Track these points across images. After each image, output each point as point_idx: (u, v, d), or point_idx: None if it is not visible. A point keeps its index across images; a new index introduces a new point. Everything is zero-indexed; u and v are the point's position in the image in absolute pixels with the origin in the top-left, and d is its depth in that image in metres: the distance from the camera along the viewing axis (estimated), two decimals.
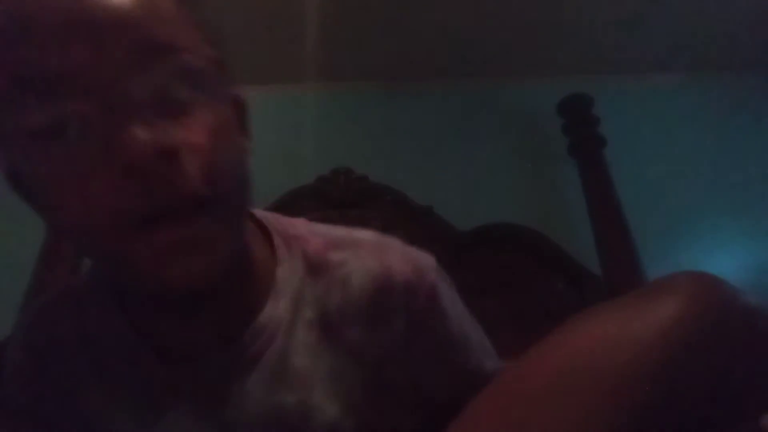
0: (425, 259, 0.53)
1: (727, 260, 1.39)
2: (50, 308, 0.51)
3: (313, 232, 0.52)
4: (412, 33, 1.47)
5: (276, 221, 0.52)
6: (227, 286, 0.43)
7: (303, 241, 0.51)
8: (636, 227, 1.24)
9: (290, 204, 1.28)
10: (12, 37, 0.34)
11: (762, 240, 1.41)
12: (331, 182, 1.34)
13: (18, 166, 0.40)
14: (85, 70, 0.34)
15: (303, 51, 1.44)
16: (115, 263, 0.38)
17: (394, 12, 1.41)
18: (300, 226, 0.53)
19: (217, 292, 0.42)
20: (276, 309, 0.47)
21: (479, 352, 0.53)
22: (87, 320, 0.49)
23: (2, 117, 0.36)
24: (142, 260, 0.37)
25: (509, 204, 1.43)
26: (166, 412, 0.46)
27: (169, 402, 0.46)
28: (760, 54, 1.61)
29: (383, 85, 1.58)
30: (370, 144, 1.50)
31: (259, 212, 0.52)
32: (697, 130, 1.57)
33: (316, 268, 0.49)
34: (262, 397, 0.46)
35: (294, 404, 0.46)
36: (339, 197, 1.32)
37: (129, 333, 0.47)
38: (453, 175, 1.49)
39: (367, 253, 0.50)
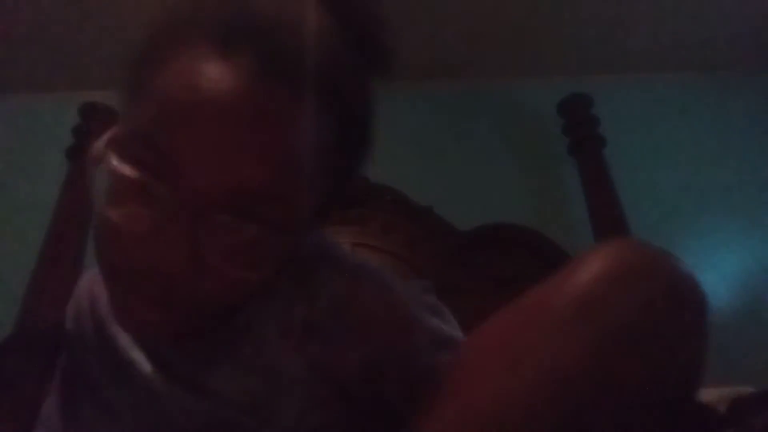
0: (404, 284, 0.54)
1: (727, 260, 1.39)
2: (89, 279, 0.61)
3: (310, 256, 0.52)
4: (412, 33, 1.47)
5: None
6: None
7: (299, 258, 0.50)
8: (636, 227, 1.24)
9: None
10: (176, 111, 0.38)
11: (762, 240, 1.41)
12: None
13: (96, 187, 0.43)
14: (190, 162, 0.37)
15: None
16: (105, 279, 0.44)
17: (394, 12, 1.41)
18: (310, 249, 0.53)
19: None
20: (251, 313, 0.49)
21: (428, 342, 0.50)
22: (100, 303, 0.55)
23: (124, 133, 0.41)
24: (115, 297, 0.43)
25: (509, 204, 1.43)
26: (154, 392, 0.50)
27: (158, 383, 0.50)
28: (761, 54, 1.61)
29: (383, 85, 1.58)
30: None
31: None
32: (697, 130, 1.57)
33: (294, 281, 0.50)
34: (236, 380, 0.49)
35: (263, 391, 0.48)
36: None
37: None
38: (453, 175, 1.49)
39: (340, 277, 0.50)
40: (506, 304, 0.42)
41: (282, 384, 0.49)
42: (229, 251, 0.39)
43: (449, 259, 1.23)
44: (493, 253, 1.26)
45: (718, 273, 1.37)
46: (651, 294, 0.35)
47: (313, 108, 0.40)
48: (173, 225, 0.37)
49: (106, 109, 1.33)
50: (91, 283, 0.60)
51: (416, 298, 0.54)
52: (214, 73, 0.38)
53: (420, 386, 0.43)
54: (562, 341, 0.35)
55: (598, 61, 1.60)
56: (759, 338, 1.29)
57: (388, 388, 0.50)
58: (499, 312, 0.41)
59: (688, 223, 1.43)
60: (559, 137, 1.41)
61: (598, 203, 1.28)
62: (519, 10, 1.46)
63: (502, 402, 0.35)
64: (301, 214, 0.42)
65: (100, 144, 0.43)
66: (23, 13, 1.40)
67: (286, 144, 0.39)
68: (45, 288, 1.11)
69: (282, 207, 0.40)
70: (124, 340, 0.52)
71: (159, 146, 0.38)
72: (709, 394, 0.71)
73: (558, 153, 1.42)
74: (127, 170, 0.38)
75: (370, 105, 0.48)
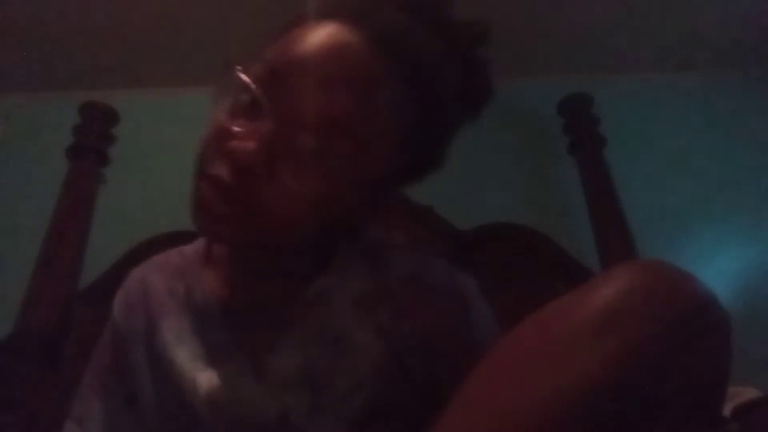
0: (465, 279, 0.61)
1: (727, 260, 1.39)
2: (144, 267, 0.66)
3: (379, 238, 0.63)
4: None
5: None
6: (285, 259, 0.58)
7: (365, 240, 0.62)
8: (636, 227, 1.24)
9: None
10: (284, 61, 0.50)
11: (762, 240, 1.41)
12: None
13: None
14: (289, 103, 0.48)
15: None
16: (190, 189, 0.53)
17: None
18: (377, 236, 0.64)
19: (274, 261, 0.58)
20: (325, 283, 0.57)
21: (481, 328, 0.57)
22: (179, 281, 0.61)
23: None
24: (191, 189, 0.53)
25: (509, 203, 1.43)
26: (224, 356, 0.55)
27: (226, 349, 0.56)
28: (761, 54, 1.61)
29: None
30: None
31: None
32: (697, 129, 1.57)
33: (365, 258, 0.60)
34: (299, 350, 0.54)
35: (324, 360, 0.54)
36: None
37: (207, 291, 0.59)
38: (453, 174, 1.48)
39: (411, 257, 0.61)
40: (528, 313, 0.42)
41: (343, 352, 0.54)
42: (298, 164, 0.48)
43: (449, 259, 1.23)
44: (493, 253, 1.26)
45: (718, 273, 1.37)
46: (676, 312, 0.35)
47: (397, 76, 0.50)
48: (263, 128, 0.48)
49: (106, 108, 1.33)
50: (143, 274, 0.65)
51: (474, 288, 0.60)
52: (326, 33, 0.50)
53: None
54: (586, 354, 0.34)
55: (598, 61, 1.60)
56: (759, 338, 1.29)
57: (440, 365, 0.54)
58: (521, 323, 0.41)
59: (687, 223, 1.43)
60: (559, 137, 1.41)
61: (598, 202, 1.28)
62: (519, 10, 1.46)
63: (520, 415, 0.34)
64: (368, 159, 0.50)
65: (234, 70, 0.53)
66: (23, 13, 1.40)
67: (369, 91, 0.49)
68: (45, 288, 1.11)
69: (354, 142, 0.49)
70: (172, 335, 0.57)
71: (276, 72, 0.49)
72: None
73: (558, 152, 1.42)
74: (249, 84, 0.49)
75: (453, 106, 0.56)
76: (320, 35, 0.51)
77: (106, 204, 1.30)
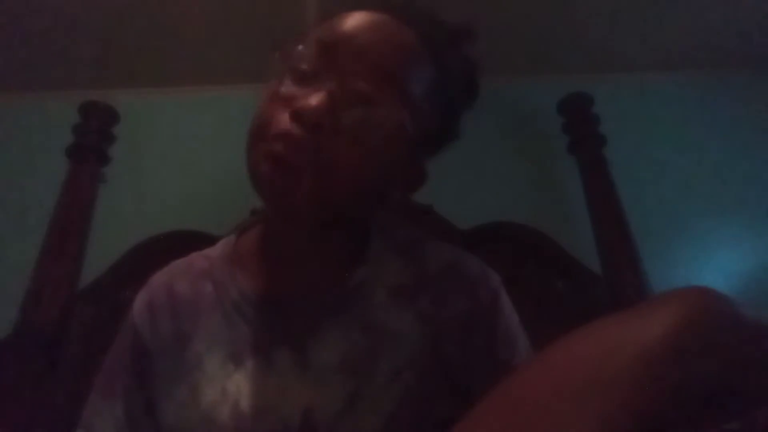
0: (493, 272, 0.66)
1: (727, 260, 1.39)
2: (167, 273, 0.67)
3: (413, 233, 0.68)
4: None
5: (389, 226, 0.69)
6: (326, 248, 0.61)
7: (398, 234, 0.67)
8: (636, 226, 1.24)
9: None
10: (332, 25, 0.57)
11: (762, 240, 1.41)
12: None
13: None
14: (340, 52, 0.54)
15: None
16: (250, 162, 0.55)
17: None
18: (408, 229, 0.69)
19: (318, 249, 0.61)
20: (363, 274, 0.60)
21: (524, 354, 0.61)
22: (206, 282, 0.63)
23: (289, 59, 0.57)
24: (257, 156, 0.54)
25: (509, 203, 1.43)
26: (262, 349, 0.57)
27: (266, 340, 0.57)
28: (762, 53, 1.61)
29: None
30: None
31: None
32: (698, 129, 1.57)
33: (402, 251, 0.64)
34: (341, 338, 0.56)
35: (365, 348, 0.56)
36: None
37: (242, 286, 0.61)
38: (453, 174, 1.49)
39: (446, 249, 0.66)
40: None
41: (384, 339, 0.57)
42: (359, 114, 0.53)
43: None
44: (493, 252, 1.26)
45: (718, 272, 1.37)
46: (730, 350, 0.35)
47: (425, 47, 0.59)
48: (324, 87, 0.52)
49: (106, 108, 1.33)
50: (167, 281, 0.65)
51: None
52: (365, 15, 0.58)
53: (495, 370, 0.55)
54: (632, 390, 0.33)
55: (599, 60, 1.60)
56: None
57: (475, 353, 0.59)
58: (556, 345, 0.40)
59: (687, 222, 1.43)
60: (560, 136, 1.41)
61: (598, 202, 1.28)
62: (519, 9, 1.46)
63: None
64: (409, 113, 0.56)
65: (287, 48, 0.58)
66: (23, 13, 1.40)
67: (409, 53, 0.57)
68: (45, 287, 1.11)
69: (402, 91, 0.55)
70: (204, 342, 0.59)
71: (328, 44, 0.55)
72: None
73: (558, 151, 1.42)
74: (305, 54, 0.55)
75: (460, 84, 0.66)
76: (361, 16, 0.58)
77: (106, 204, 1.30)
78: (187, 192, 1.44)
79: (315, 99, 0.52)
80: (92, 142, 1.30)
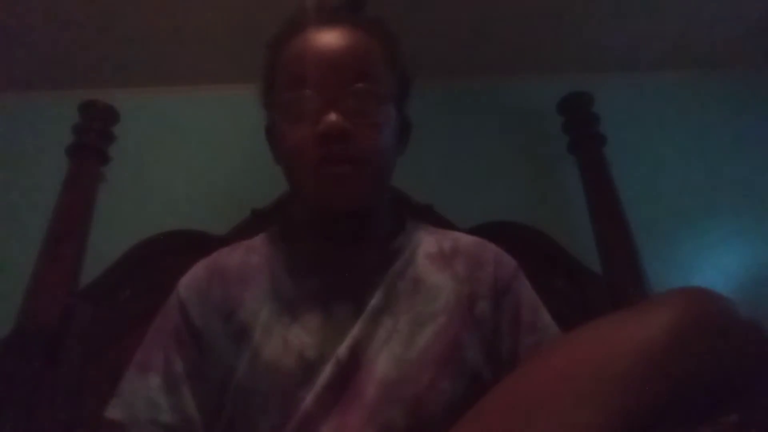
0: (511, 258, 0.75)
1: (727, 260, 1.39)
2: (212, 256, 0.75)
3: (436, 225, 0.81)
4: (412, 31, 1.47)
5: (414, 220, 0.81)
6: (369, 227, 0.72)
7: (426, 224, 0.80)
8: (636, 226, 1.24)
9: (292, 201, 1.28)
10: (300, 59, 0.68)
11: (762, 240, 1.41)
12: None
13: (274, 121, 0.72)
14: (323, 80, 0.65)
15: None
16: (304, 185, 0.67)
17: (394, 11, 1.40)
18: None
19: (363, 228, 0.71)
20: (403, 241, 0.72)
21: (547, 317, 0.71)
22: (253, 255, 0.72)
23: (276, 96, 0.69)
24: (316, 184, 0.65)
25: (509, 202, 1.43)
26: (320, 304, 0.65)
27: (322, 296, 0.66)
28: (761, 52, 1.61)
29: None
30: None
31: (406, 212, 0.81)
32: (698, 128, 1.57)
33: (432, 232, 0.77)
34: (387, 286, 0.66)
35: (406, 293, 0.66)
36: None
37: (293, 252, 0.71)
38: (453, 173, 1.49)
39: (468, 235, 0.78)
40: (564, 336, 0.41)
41: (422, 288, 0.66)
42: (361, 111, 0.65)
43: None
44: None
45: (718, 273, 1.37)
46: (726, 349, 0.37)
47: (377, 41, 0.71)
48: (325, 107, 0.64)
49: (106, 107, 1.33)
50: (215, 257, 0.74)
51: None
52: (323, 31, 0.69)
53: (532, 344, 0.64)
54: (633, 386, 0.35)
55: (599, 59, 1.60)
56: None
57: (504, 317, 0.67)
58: (558, 343, 0.42)
59: (687, 222, 1.43)
60: (560, 135, 1.41)
61: (598, 201, 1.28)
62: (519, 9, 1.46)
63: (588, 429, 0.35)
64: (382, 88, 0.68)
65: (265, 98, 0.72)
66: (23, 13, 1.40)
67: (374, 53, 0.69)
68: (45, 287, 1.11)
69: (379, 83, 0.67)
70: (252, 297, 0.66)
71: (301, 74, 0.66)
72: None
73: (558, 151, 1.42)
74: (295, 93, 0.66)
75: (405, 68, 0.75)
76: (315, 33, 0.69)
77: (106, 203, 1.30)
78: (187, 192, 1.43)
79: (329, 118, 0.63)
80: (92, 141, 1.30)
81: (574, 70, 1.61)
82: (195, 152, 1.50)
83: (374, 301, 0.64)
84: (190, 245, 1.19)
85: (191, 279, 0.71)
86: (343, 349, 0.60)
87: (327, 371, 0.59)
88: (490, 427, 0.38)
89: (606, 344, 0.38)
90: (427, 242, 0.73)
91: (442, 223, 1.29)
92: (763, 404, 0.37)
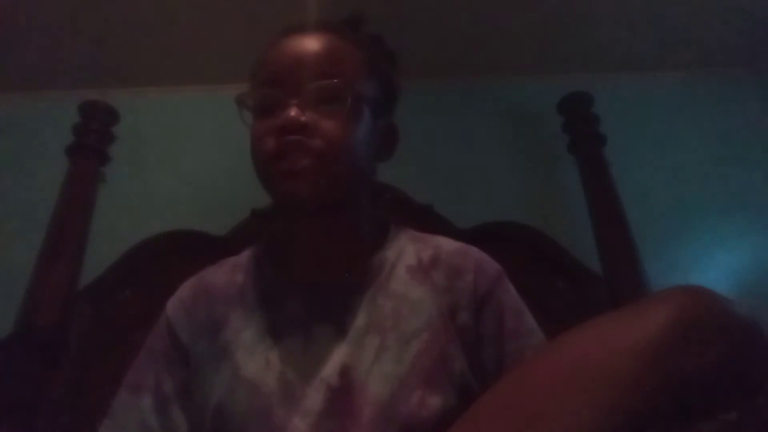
0: (495, 262, 0.73)
1: (727, 260, 1.39)
2: (198, 275, 0.74)
3: (421, 232, 0.78)
4: (412, 31, 1.47)
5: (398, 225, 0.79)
6: (343, 230, 0.70)
7: (410, 229, 0.77)
8: (636, 226, 1.24)
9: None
10: (271, 60, 0.69)
11: (762, 240, 1.41)
12: None
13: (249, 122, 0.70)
14: (289, 77, 0.66)
15: None
16: (264, 178, 0.67)
17: (394, 11, 1.41)
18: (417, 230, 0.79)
19: (335, 229, 0.69)
20: (384, 255, 0.70)
21: (531, 322, 0.70)
22: (238, 274, 0.72)
23: (251, 95, 0.70)
24: (273, 176, 0.65)
25: (509, 202, 1.43)
26: (301, 325, 0.65)
27: (303, 317, 0.65)
28: (760, 53, 1.61)
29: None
30: None
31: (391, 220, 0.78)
32: (697, 128, 1.57)
33: (416, 239, 0.74)
34: (369, 305, 0.65)
35: (389, 310, 0.65)
36: None
37: (275, 273, 0.70)
38: (453, 173, 1.49)
39: (452, 240, 0.75)
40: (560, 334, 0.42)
41: (404, 305, 0.65)
42: (324, 107, 0.65)
43: None
44: (492, 251, 1.26)
45: (718, 272, 1.37)
46: (723, 346, 0.37)
47: (354, 46, 0.71)
48: (289, 103, 0.64)
49: (106, 107, 1.33)
50: (201, 276, 0.74)
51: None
52: (301, 36, 0.70)
53: (514, 352, 0.64)
54: (633, 384, 0.35)
55: (598, 60, 1.60)
56: None
57: (486, 324, 0.66)
58: (557, 341, 0.42)
59: (687, 221, 1.43)
60: (559, 135, 1.41)
61: (598, 201, 1.28)
62: (519, 9, 1.46)
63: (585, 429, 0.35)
64: (346, 88, 0.66)
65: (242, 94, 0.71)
66: (23, 13, 1.40)
67: (345, 54, 0.70)
68: (45, 287, 1.11)
69: (349, 82, 0.67)
70: (236, 318, 0.67)
71: (271, 72, 0.68)
72: None
73: (558, 151, 1.42)
74: (262, 91, 0.68)
75: (389, 74, 0.78)
76: (287, 40, 0.70)
77: (106, 203, 1.30)
78: (187, 192, 1.43)
79: (288, 112, 0.64)
80: (92, 141, 1.30)
81: (574, 70, 1.61)
82: (195, 152, 1.50)
83: (358, 322, 0.64)
84: (190, 245, 1.20)
85: (178, 299, 0.72)
86: (333, 375, 0.60)
87: (318, 398, 0.59)
88: (490, 427, 0.38)
89: (605, 343, 0.39)
90: (408, 254, 0.71)
91: (442, 223, 1.29)
92: (762, 402, 0.37)
